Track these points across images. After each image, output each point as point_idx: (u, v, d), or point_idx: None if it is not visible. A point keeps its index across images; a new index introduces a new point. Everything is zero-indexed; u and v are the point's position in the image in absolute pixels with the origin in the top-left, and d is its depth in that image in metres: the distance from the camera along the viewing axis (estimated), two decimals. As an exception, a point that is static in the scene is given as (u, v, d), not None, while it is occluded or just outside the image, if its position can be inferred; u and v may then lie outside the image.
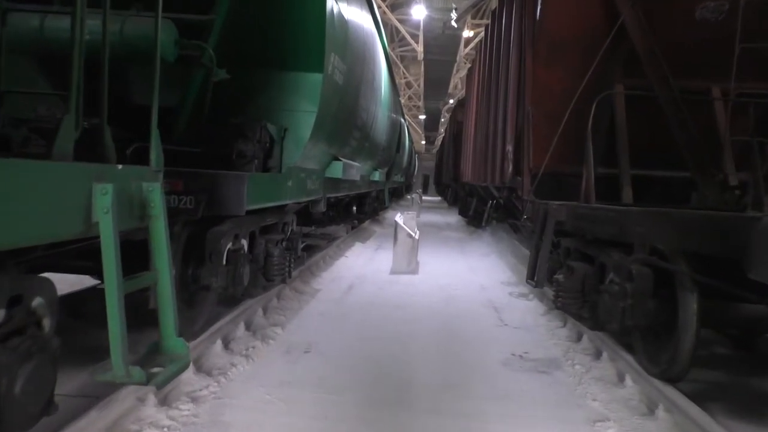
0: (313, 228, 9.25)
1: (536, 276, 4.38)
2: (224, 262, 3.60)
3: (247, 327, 4.70)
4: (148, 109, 4.43)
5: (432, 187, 45.67)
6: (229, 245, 3.65)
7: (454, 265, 9.43)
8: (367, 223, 14.44)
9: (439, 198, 38.51)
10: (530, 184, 4.71)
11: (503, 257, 9.90)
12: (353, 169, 6.68)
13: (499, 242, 10.95)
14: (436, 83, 23.59)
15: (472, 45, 20.84)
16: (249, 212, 4.03)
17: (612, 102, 4.65)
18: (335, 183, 6.46)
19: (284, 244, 4.70)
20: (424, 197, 34.75)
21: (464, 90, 19.87)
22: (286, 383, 3.69)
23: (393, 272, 8.13)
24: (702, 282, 3.03)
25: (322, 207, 5.81)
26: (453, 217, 20.78)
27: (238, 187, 3.26)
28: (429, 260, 9.58)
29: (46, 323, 1.83)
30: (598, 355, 4.42)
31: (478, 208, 11.86)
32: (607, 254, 3.78)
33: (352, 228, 11.96)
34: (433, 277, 7.96)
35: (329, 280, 7.30)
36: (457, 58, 19.72)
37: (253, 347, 4.31)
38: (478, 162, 9.05)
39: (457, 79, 26.39)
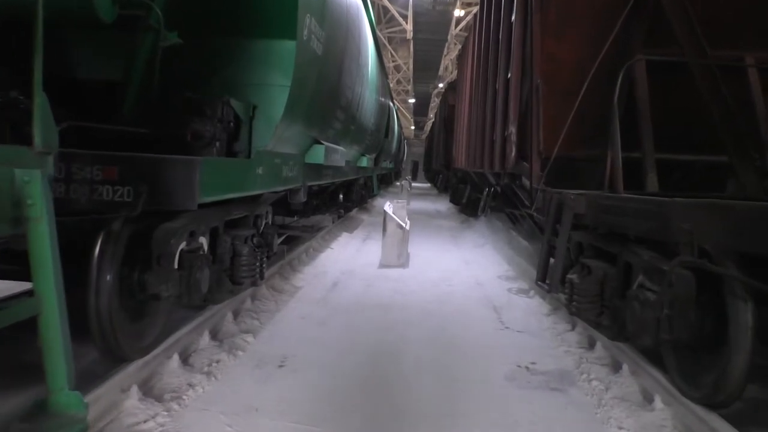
0: (295, 218, 8.60)
1: (549, 278, 3.78)
2: (176, 266, 2.96)
3: (213, 335, 4.08)
4: (91, 83, 3.76)
5: (422, 173, 45.04)
6: (183, 245, 3.01)
7: (447, 257, 8.84)
8: (354, 212, 13.81)
9: (429, 184, 37.90)
10: (540, 170, 4.11)
11: (499, 248, 9.33)
12: (337, 154, 6.03)
13: (494, 232, 10.37)
14: (425, 65, 22.81)
15: (463, 24, 20.10)
16: (211, 204, 3.39)
17: (632, 75, 4.04)
18: (317, 170, 5.81)
19: (255, 240, 4.06)
20: (413, 184, 34.12)
21: (456, 72, 19.19)
22: (253, 410, 3.08)
23: (382, 266, 7.52)
24: (759, 290, 2.45)
25: (301, 197, 5.17)
26: (444, 205, 20.20)
27: (187, 175, 2.62)
28: (420, 252, 8.98)
29: None
30: (616, 367, 3.85)
31: (472, 195, 11.26)
32: (634, 253, 3.18)
33: (339, 217, 11.33)
34: (425, 271, 7.37)
35: (312, 275, 6.67)
36: (448, 38, 18.97)
37: (218, 362, 3.68)
38: (472, 147, 8.42)
39: (448, 61, 25.64)
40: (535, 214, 3.89)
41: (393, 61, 32.92)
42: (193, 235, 3.13)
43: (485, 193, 8.04)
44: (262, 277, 4.17)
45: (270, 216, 4.82)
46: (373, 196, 16.63)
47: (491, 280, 7.08)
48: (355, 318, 4.98)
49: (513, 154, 4.77)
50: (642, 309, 2.92)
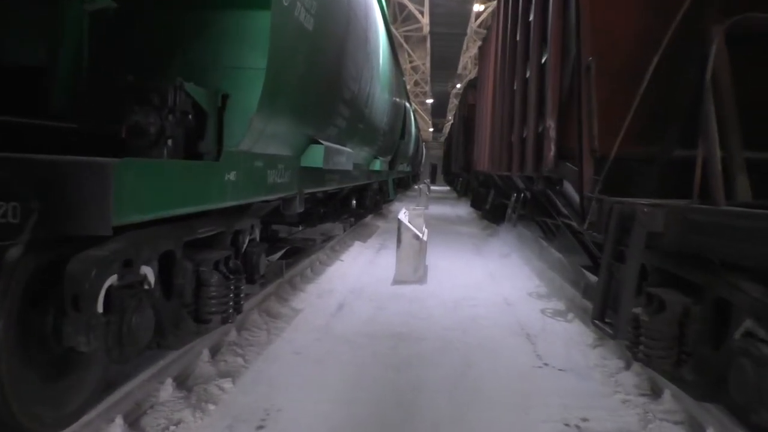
0: (300, 228, 7.79)
1: (605, 314, 2.87)
2: (102, 309, 2.14)
3: (180, 383, 3.26)
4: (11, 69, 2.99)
5: (440, 177, 44.10)
6: (113, 279, 2.19)
7: (470, 269, 7.94)
8: (369, 218, 12.97)
9: (448, 188, 36.93)
10: (593, 173, 3.23)
11: (527, 259, 8.40)
12: (342, 156, 5.20)
13: (520, 241, 9.43)
14: (443, 63, 21.82)
15: (482, 18, 19.11)
16: (163, 222, 2.58)
17: (705, 53, 3.13)
18: (318, 174, 4.98)
19: (231, 264, 3.23)
20: (432, 187, 33.20)
21: (476, 69, 18.30)
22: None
23: (396, 282, 6.66)
24: None
25: (296, 207, 4.34)
26: (464, 209, 19.27)
27: (96, 186, 1.80)
28: (439, 262, 8.10)
29: None
30: (695, 428, 2.95)
31: (496, 201, 10.33)
32: (735, 287, 2.28)
33: (351, 225, 10.50)
34: (445, 288, 6.49)
35: (315, 295, 5.84)
36: (467, 31, 18.02)
37: (178, 423, 2.87)
38: (496, 148, 7.53)
39: (467, 59, 24.64)
40: (587, 231, 3.02)
41: (410, 62, 32.07)
42: (130, 265, 2.31)
43: (513, 198, 7.12)
44: (238, 311, 3.34)
45: (257, 231, 4.00)
46: (388, 201, 15.77)
47: (521, 298, 6.18)
48: (360, 353, 4.12)
49: (551, 153, 3.89)
50: (759, 371, 2.02)
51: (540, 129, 4.64)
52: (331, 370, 3.77)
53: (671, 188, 3.65)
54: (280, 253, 5.81)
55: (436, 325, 4.93)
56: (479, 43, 16.04)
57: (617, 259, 2.79)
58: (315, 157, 4.33)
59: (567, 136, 3.89)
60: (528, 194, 6.43)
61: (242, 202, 3.11)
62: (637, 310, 2.94)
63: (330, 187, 5.76)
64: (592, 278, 5.33)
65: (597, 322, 2.90)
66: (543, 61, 4.63)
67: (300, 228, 7.74)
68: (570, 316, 5.35)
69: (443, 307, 5.61)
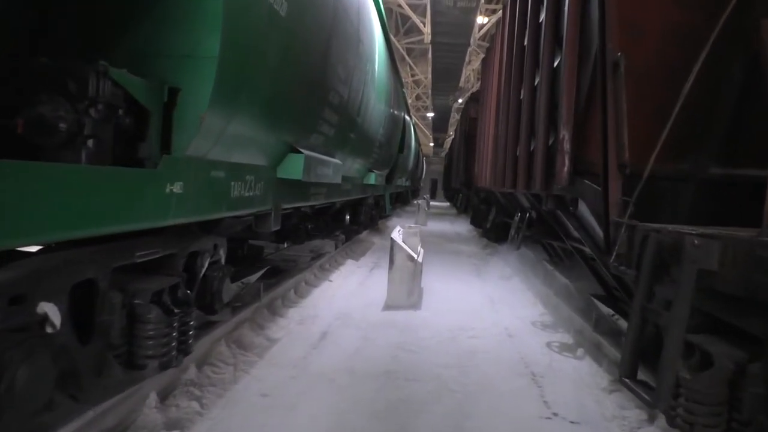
0: (285, 245, 7.22)
1: (637, 370, 2.30)
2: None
3: (113, 439, 2.67)
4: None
5: (441, 192, 43.58)
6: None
7: (469, 292, 7.37)
8: (364, 234, 12.40)
9: (448, 204, 36.39)
10: (622, 192, 2.67)
11: (530, 283, 7.82)
12: (328, 168, 4.66)
13: (522, 262, 8.86)
14: (445, 75, 21.32)
15: (485, 29, 18.64)
16: (86, 242, 2.03)
17: (756, 51, 2.60)
18: (300, 188, 4.43)
19: (180, 293, 2.67)
20: (432, 203, 32.66)
21: (478, 84, 17.91)
22: None
23: (388, 307, 6.09)
24: None
25: (271, 224, 3.78)
26: (463, 226, 18.70)
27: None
28: (436, 284, 7.53)
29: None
30: None
31: (497, 219, 9.78)
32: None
33: (344, 242, 9.93)
34: (441, 314, 5.91)
35: (297, 321, 5.26)
36: (471, 41, 17.57)
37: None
38: (499, 163, 6.99)
39: (470, 71, 24.17)
40: (613, 264, 2.47)
41: (412, 76, 31.70)
42: (19, 302, 1.75)
43: (517, 218, 6.56)
44: (185, 351, 2.76)
45: (222, 252, 3.44)
46: (385, 216, 15.19)
47: (524, 328, 5.59)
48: (340, 397, 3.54)
49: (565, 168, 3.34)
50: None
51: (551, 141, 4.10)
52: (303, 419, 3.19)
53: (706, 213, 3.10)
54: (259, 274, 5.24)
55: (429, 362, 4.34)
56: (482, 56, 15.61)
57: (652, 300, 2.23)
58: (294, 167, 3.78)
59: (585, 148, 3.35)
60: (533, 214, 5.88)
61: (192, 219, 2.55)
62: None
63: (316, 202, 5.20)
64: (604, 309, 4.76)
65: (627, 381, 2.33)
66: (555, 65, 4.10)
67: (285, 245, 7.18)
68: (579, 351, 4.77)
69: (438, 338, 5.03)
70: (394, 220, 18.51)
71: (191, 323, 2.73)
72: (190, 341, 2.74)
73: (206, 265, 3.16)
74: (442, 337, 5.07)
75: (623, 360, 2.30)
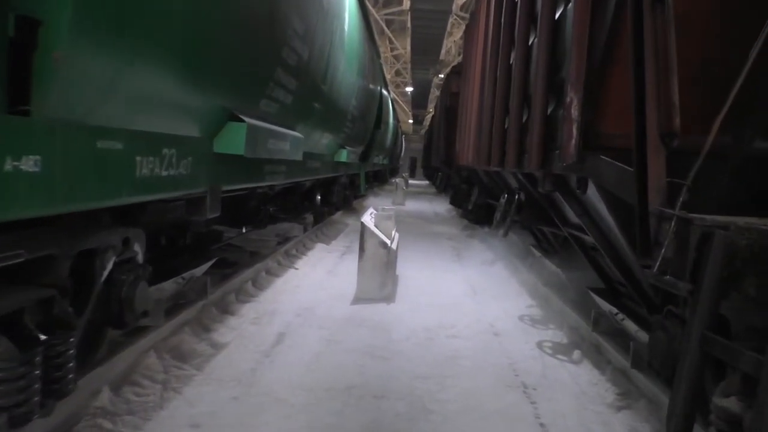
0: (244, 230, 6.45)
1: (693, 425, 1.65)
2: None
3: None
4: None
5: (420, 171, 42.92)
6: None
7: (448, 281, 6.73)
8: (338, 215, 11.67)
9: (427, 182, 35.73)
10: (665, 173, 1.99)
11: (514, 269, 7.21)
12: (284, 142, 3.90)
13: (506, 245, 8.23)
14: (425, 45, 20.38)
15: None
16: None
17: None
18: (249, 165, 3.68)
19: (56, 310, 1.93)
20: (411, 181, 31.92)
21: (460, 57, 17.15)
22: None
23: (358, 300, 5.41)
24: None
25: (207, 210, 3.03)
26: (443, 206, 18.07)
27: None
28: (412, 272, 6.87)
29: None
30: None
31: (480, 200, 9.11)
32: None
33: (315, 224, 9.20)
34: (418, 309, 5.25)
35: (251, 320, 4.55)
36: (453, 8, 16.65)
37: None
38: (484, 139, 6.29)
39: (450, 43, 23.20)
40: (657, 276, 1.81)
41: (392, 50, 30.61)
42: None
43: (503, 200, 5.88)
44: (60, 394, 2.02)
45: (139, 247, 2.70)
46: (360, 196, 14.43)
47: (511, 324, 4.97)
48: (291, 425, 2.86)
49: (573, 141, 2.63)
50: None
51: (550, 110, 3.40)
52: (239, 462, 2.50)
53: (745, 198, 2.45)
54: (206, 267, 4.49)
55: (402, 371, 3.68)
56: (463, 27, 14.80)
57: (717, 329, 1.57)
58: (234, 140, 3.03)
59: (598, 116, 2.66)
60: (522, 196, 5.21)
61: (61, 210, 1.80)
62: (725, 400, 1.72)
63: (272, 182, 4.45)
64: (606, 307, 4.13)
65: (679, 444, 1.67)
66: (557, 15, 3.37)
67: (243, 231, 6.42)
68: (576, 354, 4.16)
69: (414, 339, 4.37)
70: (371, 200, 17.79)
71: (69, 352, 1.99)
72: (70, 376, 2.01)
73: (110, 266, 2.41)
74: (419, 337, 4.41)
75: (674, 412, 1.63)
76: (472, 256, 8.57)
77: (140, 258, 2.74)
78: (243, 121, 3.06)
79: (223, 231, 6.35)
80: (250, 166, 3.73)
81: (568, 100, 2.74)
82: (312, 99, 4.82)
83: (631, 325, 3.67)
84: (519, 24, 4.45)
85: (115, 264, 2.48)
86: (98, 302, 2.43)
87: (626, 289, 3.70)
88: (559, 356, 4.19)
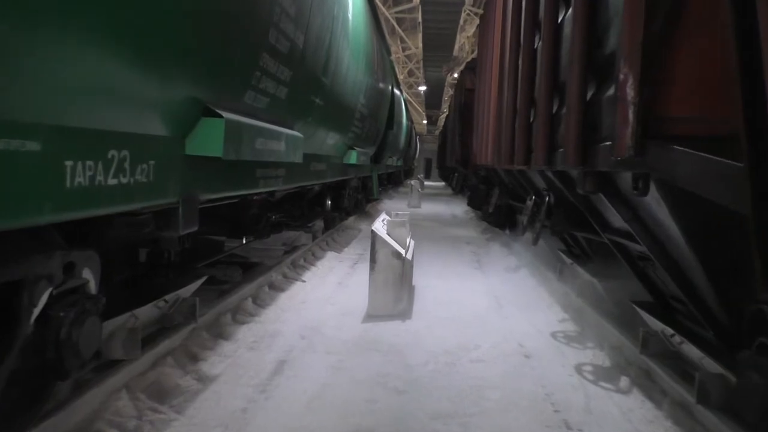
0: (244, 241, 5.94)
1: None
2: None
3: None
4: None
5: (436, 172, 42.26)
6: None
7: (468, 290, 6.16)
8: (351, 221, 11.13)
9: (443, 183, 35.08)
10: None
11: (542, 277, 6.62)
12: (277, 141, 3.38)
13: (530, 248, 7.60)
14: (438, 41, 19.72)
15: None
16: None
17: None
18: (234, 170, 3.16)
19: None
20: (426, 183, 31.30)
21: (473, 53, 16.56)
22: None
23: (369, 317, 4.86)
24: None
25: (180, 225, 2.51)
26: (460, 207, 17.47)
27: None
28: (429, 280, 6.32)
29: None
30: None
31: (501, 202, 8.51)
32: None
33: (325, 231, 8.68)
34: (436, 326, 4.69)
35: (248, 344, 4.02)
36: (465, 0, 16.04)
37: None
38: (505, 136, 5.71)
39: (464, 39, 22.51)
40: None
41: (404, 50, 30.01)
42: None
43: (530, 202, 5.29)
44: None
45: (91, 274, 2.18)
46: (373, 200, 13.87)
47: (543, 342, 4.39)
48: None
49: (629, 129, 2.05)
50: None
51: (590, 95, 2.82)
52: None
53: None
54: (195, 286, 3.97)
55: (420, 407, 3.12)
56: (476, 21, 14.22)
57: None
58: (209, 139, 2.50)
59: (661, 98, 2.08)
60: (551, 198, 4.63)
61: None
62: None
63: (267, 189, 3.92)
64: (656, 325, 3.53)
65: None
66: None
67: (243, 242, 5.91)
68: (624, 382, 3.56)
69: (433, 364, 3.80)
70: (385, 203, 17.25)
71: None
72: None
73: (42, 301, 1.90)
74: (438, 363, 3.84)
75: None
76: (493, 262, 7.99)
77: (92, 286, 2.23)
78: (219, 115, 2.53)
79: (222, 242, 5.85)
80: (238, 171, 3.20)
81: (621, 77, 2.17)
82: (311, 93, 4.28)
83: (691, 350, 3.07)
84: (545, 4, 3.86)
85: (52, 297, 1.97)
86: (30, 347, 1.92)
87: (685, 307, 3.10)
88: (603, 384, 3.60)
